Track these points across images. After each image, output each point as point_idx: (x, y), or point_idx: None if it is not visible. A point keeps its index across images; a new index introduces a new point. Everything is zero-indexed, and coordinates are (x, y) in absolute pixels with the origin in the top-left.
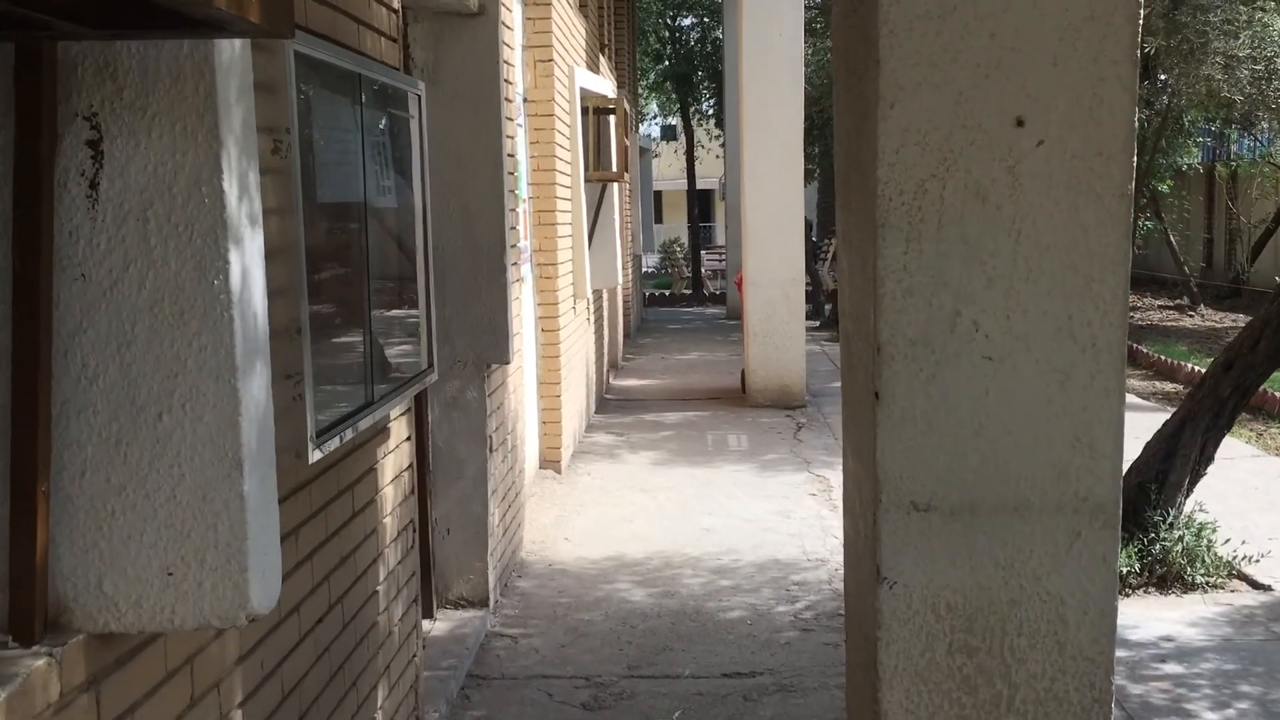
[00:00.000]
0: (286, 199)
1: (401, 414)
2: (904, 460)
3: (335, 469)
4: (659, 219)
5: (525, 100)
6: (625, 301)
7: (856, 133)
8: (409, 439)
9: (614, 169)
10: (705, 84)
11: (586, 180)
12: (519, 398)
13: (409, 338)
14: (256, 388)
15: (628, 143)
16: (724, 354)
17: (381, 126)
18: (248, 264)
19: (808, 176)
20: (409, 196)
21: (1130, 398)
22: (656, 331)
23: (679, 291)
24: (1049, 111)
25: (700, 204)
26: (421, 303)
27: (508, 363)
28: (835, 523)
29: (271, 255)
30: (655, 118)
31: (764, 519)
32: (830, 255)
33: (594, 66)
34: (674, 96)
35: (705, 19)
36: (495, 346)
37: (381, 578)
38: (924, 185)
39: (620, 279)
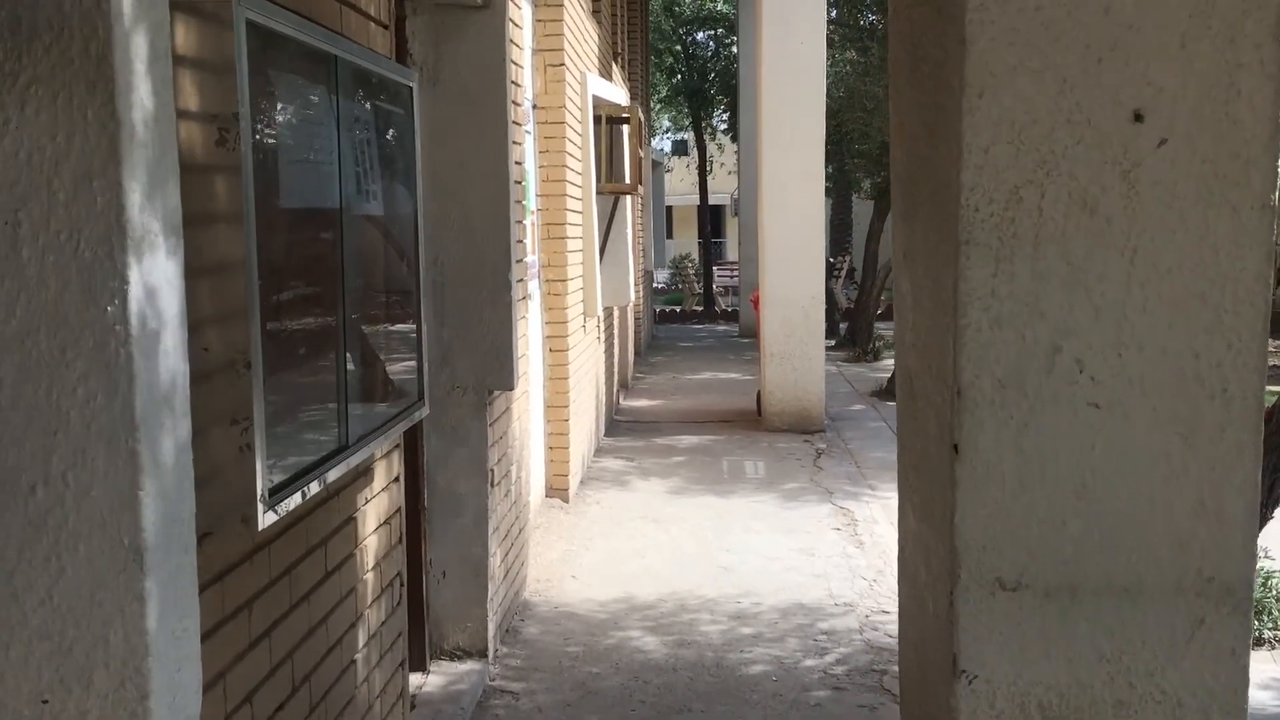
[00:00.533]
0: (235, 201)
1: (388, 451)
2: (989, 528)
3: (303, 523)
4: (670, 234)
5: (535, 107)
6: (637, 318)
7: (928, 133)
8: (398, 479)
9: (627, 181)
10: (719, 98)
11: (598, 192)
12: (524, 424)
13: (397, 366)
14: (167, 449)
15: (642, 154)
16: (737, 373)
17: (365, 121)
18: (155, 284)
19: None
20: (402, 203)
21: None
22: (668, 349)
23: (690, 308)
24: (1174, 104)
25: (711, 219)
26: (416, 325)
27: (512, 389)
28: (862, 561)
29: (212, 271)
30: (667, 132)
31: (785, 556)
32: (844, 272)
33: (607, 74)
34: (686, 110)
35: (719, 31)
36: (498, 371)
37: (361, 643)
38: (1018, 193)
39: (633, 297)
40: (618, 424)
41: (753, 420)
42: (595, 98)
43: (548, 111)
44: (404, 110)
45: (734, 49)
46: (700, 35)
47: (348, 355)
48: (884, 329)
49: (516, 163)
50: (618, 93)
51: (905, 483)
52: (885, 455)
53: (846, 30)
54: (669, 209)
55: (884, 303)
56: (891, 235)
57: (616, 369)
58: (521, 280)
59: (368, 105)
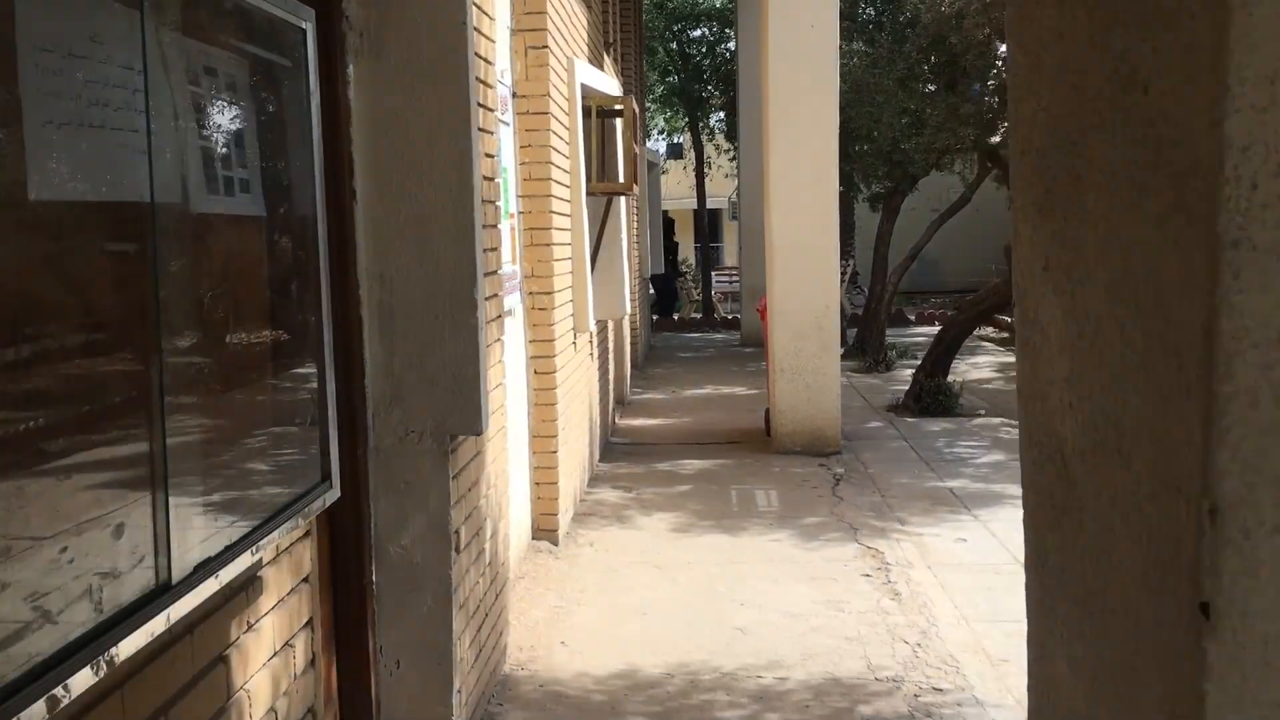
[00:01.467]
0: None
1: (292, 543)
2: None
3: (136, 681)
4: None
5: (514, 95)
6: (634, 329)
7: (1123, 61)
8: (306, 579)
9: (621, 180)
10: (715, 97)
11: (589, 193)
12: (500, 466)
13: (284, 436)
14: None
15: (637, 150)
16: (741, 387)
17: (220, 73)
18: None
19: None
20: (296, 199)
21: None
22: (666, 360)
23: (688, 315)
24: None
25: (709, 224)
26: (317, 371)
27: (480, 432)
28: (901, 619)
29: None
30: (662, 133)
31: (811, 612)
32: (848, 277)
33: (597, 63)
34: (682, 112)
35: (715, 26)
36: (462, 411)
37: None
38: None
39: (629, 308)
40: (614, 447)
41: (761, 441)
42: (584, 87)
43: (529, 100)
44: (292, 64)
45: (730, 45)
46: (695, 32)
47: (167, 435)
48: (894, 336)
49: (488, 155)
50: (609, 83)
51: (1046, 615)
52: (911, 482)
53: (852, 22)
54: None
55: (896, 309)
56: (1014, 236)
57: (612, 387)
58: (495, 296)
59: (224, 50)
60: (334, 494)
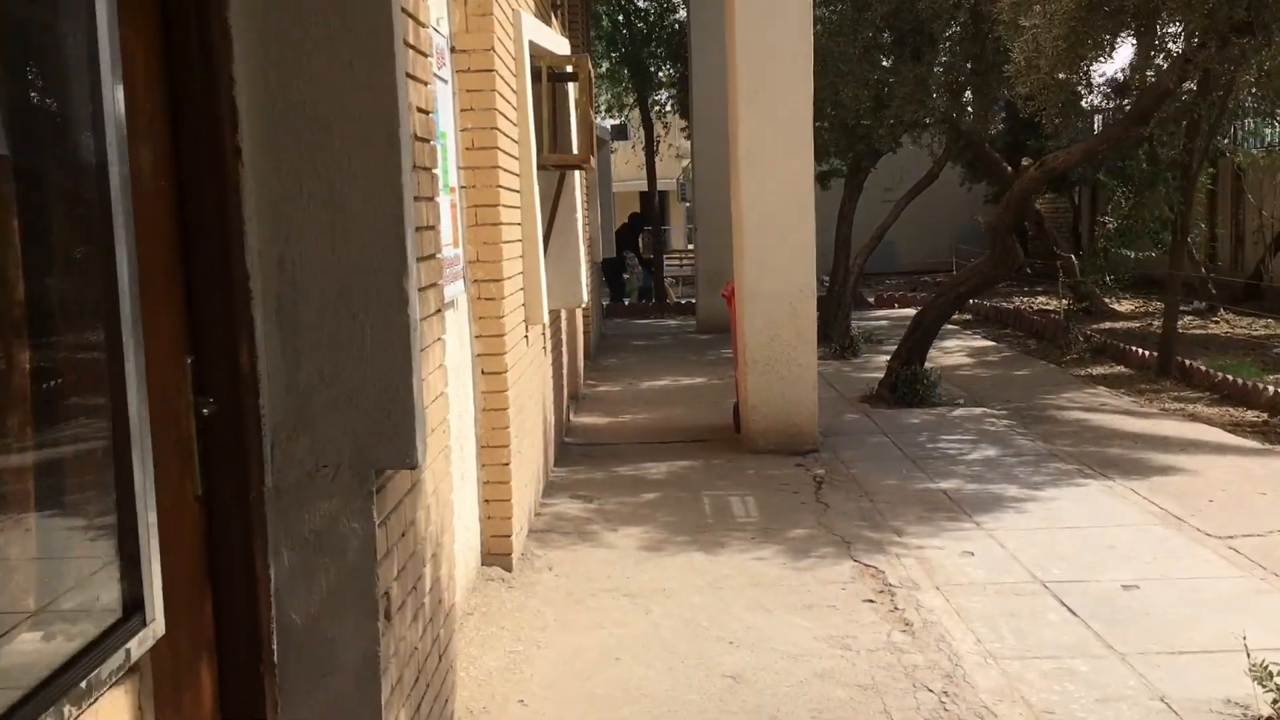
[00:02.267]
0: None
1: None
2: None
3: None
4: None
5: (453, 50)
6: (585, 317)
7: None
8: None
9: (576, 151)
10: (665, 70)
11: (540, 166)
12: (444, 494)
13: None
14: None
15: (595, 119)
16: (702, 377)
17: None
18: None
19: None
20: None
21: (1214, 431)
22: (620, 349)
23: (637, 300)
24: None
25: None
26: (110, 427)
27: (414, 465)
28: (919, 658)
29: None
30: (609, 109)
31: (813, 652)
32: None
33: (545, 19)
34: (630, 87)
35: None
36: (391, 437)
37: None
38: None
39: (585, 296)
40: (570, 449)
41: (730, 438)
42: (533, 46)
43: (471, 57)
44: None
45: (680, 16)
46: (643, 2)
47: None
48: (856, 320)
49: (421, 110)
50: (560, 43)
51: None
52: (899, 484)
53: None
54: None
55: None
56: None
57: (566, 381)
58: (434, 285)
59: None
60: (152, 630)
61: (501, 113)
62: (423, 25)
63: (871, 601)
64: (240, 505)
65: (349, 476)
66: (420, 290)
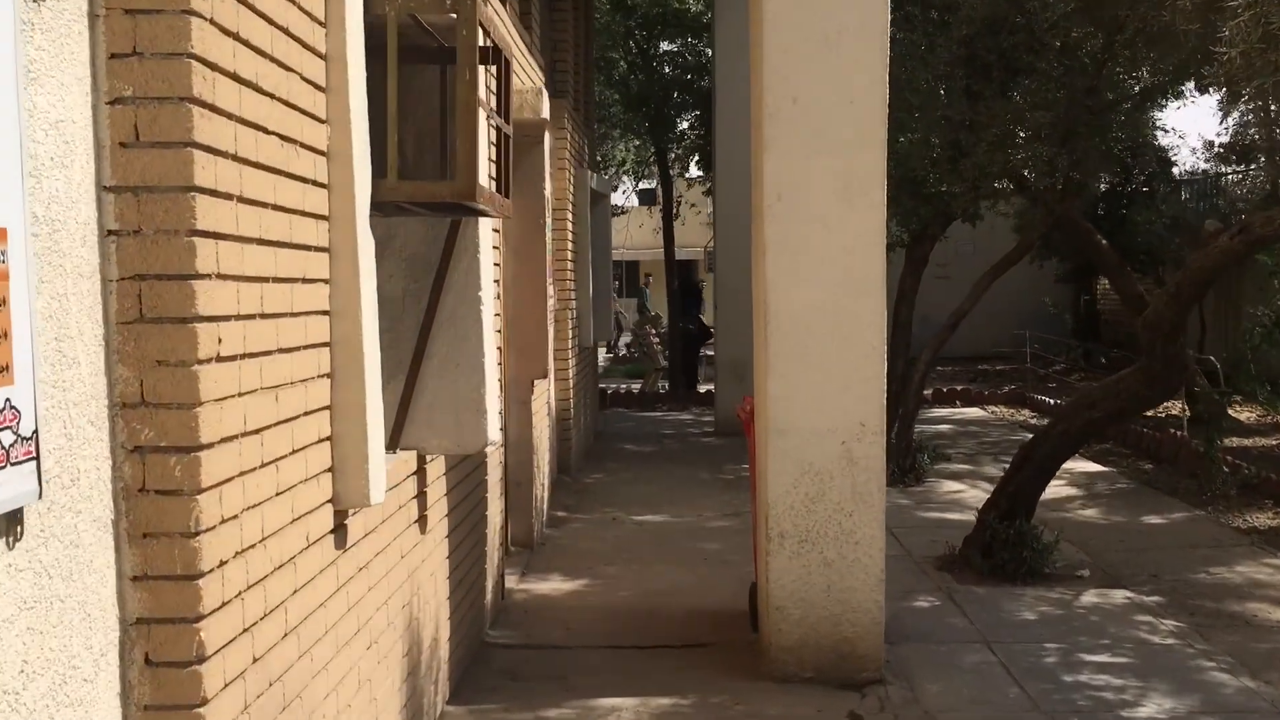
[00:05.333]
0: None
1: None
2: None
3: None
4: (624, 291)
5: None
6: (562, 420)
7: None
8: None
9: (485, 182)
10: (687, 123)
11: (378, 204)
12: None
13: None
14: None
15: (507, 129)
16: (713, 509)
17: None
18: None
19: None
20: None
21: None
22: (614, 456)
23: (651, 388)
24: None
25: (683, 276)
26: None
27: None
28: None
29: None
30: (624, 167)
31: None
32: None
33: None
34: (648, 140)
35: (686, 38)
36: None
37: None
38: None
39: (495, 434)
40: (490, 658)
41: (743, 644)
42: None
43: None
44: None
45: (705, 53)
46: (666, 45)
47: None
48: (928, 426)
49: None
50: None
51: None
52: None
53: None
54: (633, 265)
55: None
56: None
57: (495, 536)
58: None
59: None
60: None
61: (222, 69)
62: None
63: None
64: None
65: None
66: None
